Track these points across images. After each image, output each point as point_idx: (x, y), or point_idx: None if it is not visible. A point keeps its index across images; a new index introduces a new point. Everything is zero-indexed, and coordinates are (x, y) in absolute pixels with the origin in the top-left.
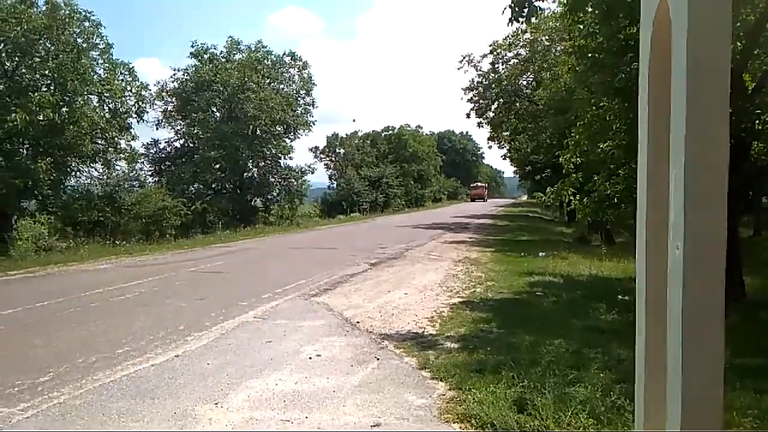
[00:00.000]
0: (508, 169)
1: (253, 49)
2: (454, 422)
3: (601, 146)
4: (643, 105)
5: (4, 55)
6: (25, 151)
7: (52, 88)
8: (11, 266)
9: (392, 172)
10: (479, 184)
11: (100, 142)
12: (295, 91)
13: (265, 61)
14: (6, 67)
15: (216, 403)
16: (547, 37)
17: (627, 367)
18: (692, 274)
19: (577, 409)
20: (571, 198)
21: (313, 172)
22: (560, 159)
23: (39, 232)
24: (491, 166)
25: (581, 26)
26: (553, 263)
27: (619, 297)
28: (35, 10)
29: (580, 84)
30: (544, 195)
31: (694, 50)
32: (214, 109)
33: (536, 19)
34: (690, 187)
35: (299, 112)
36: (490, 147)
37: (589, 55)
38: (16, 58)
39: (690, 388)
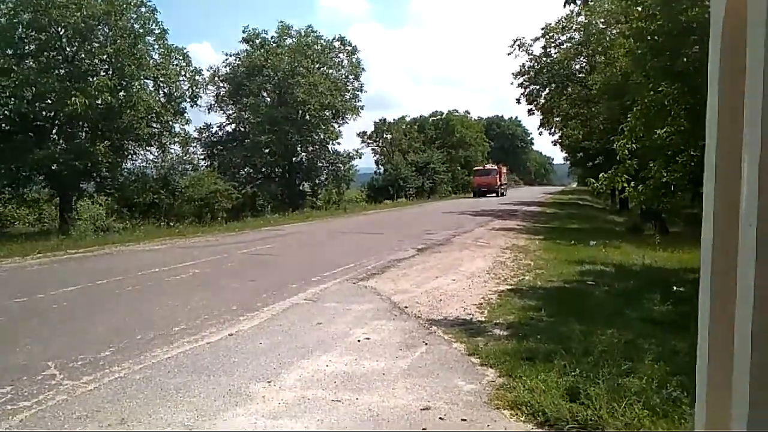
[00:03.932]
0: (558, 156)
1: (303, 34)
2: (504, 409)
3: (659, 132)
4: (713, 84)
5: (65, 40)
6: (84, 134)
7: (110, 72)
8: (71, 245)
9: (439, 158)
10: (489, 166)
11: (155, 125)
12: (344, 76)
13: (315, 46)
14: (66, 52)
15: (269, 382)
16: (602, 20)
17: (683, 359)
18: (767, 251)
19: (632, 400)
20: (625, 185)
21: (360, 157)
22: (614, 145)
23: (97, 213)
24: (541, 153)
25: (640, 8)
26: (605, 252)
27: (674, 288)
28: None
29: (638, 68)
30: (596, 182)
31: None
32: (265, 94)
33: (592, 1)
34: (766, 165)
35: (348, 97)
36: (540, 133)
37: (648, 38)
38: (76, 44)
39: (760, 382)
